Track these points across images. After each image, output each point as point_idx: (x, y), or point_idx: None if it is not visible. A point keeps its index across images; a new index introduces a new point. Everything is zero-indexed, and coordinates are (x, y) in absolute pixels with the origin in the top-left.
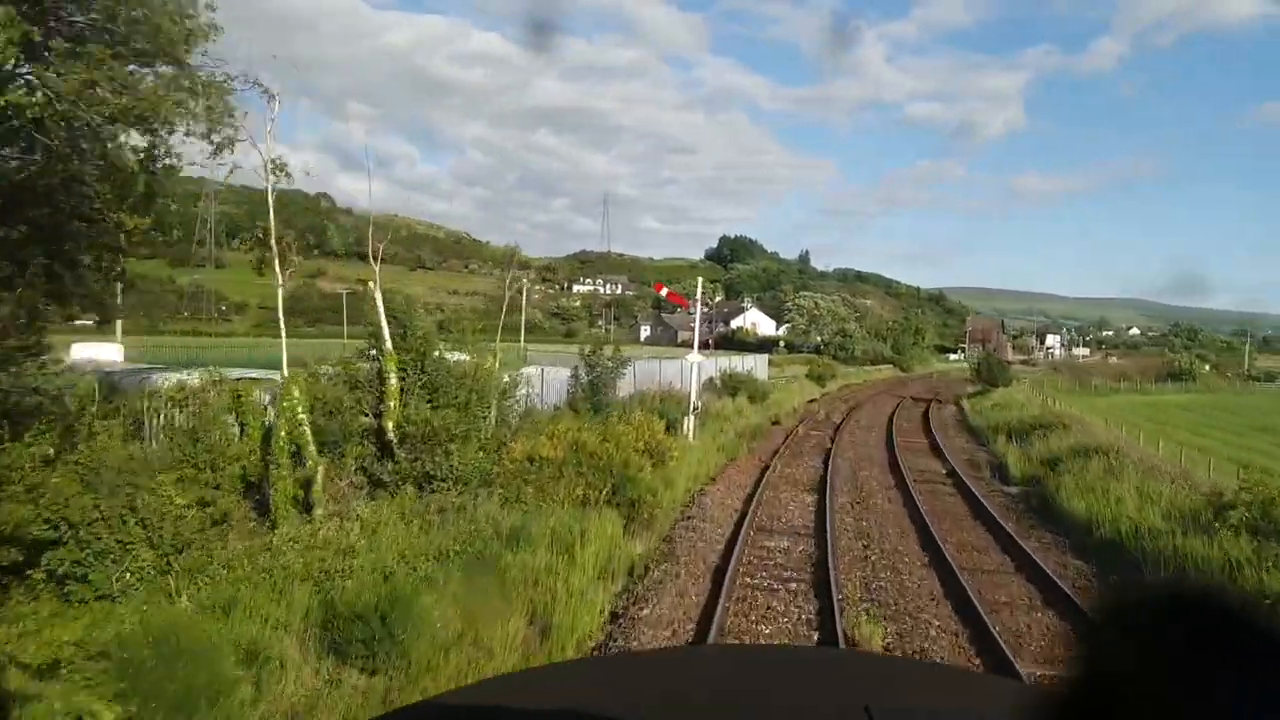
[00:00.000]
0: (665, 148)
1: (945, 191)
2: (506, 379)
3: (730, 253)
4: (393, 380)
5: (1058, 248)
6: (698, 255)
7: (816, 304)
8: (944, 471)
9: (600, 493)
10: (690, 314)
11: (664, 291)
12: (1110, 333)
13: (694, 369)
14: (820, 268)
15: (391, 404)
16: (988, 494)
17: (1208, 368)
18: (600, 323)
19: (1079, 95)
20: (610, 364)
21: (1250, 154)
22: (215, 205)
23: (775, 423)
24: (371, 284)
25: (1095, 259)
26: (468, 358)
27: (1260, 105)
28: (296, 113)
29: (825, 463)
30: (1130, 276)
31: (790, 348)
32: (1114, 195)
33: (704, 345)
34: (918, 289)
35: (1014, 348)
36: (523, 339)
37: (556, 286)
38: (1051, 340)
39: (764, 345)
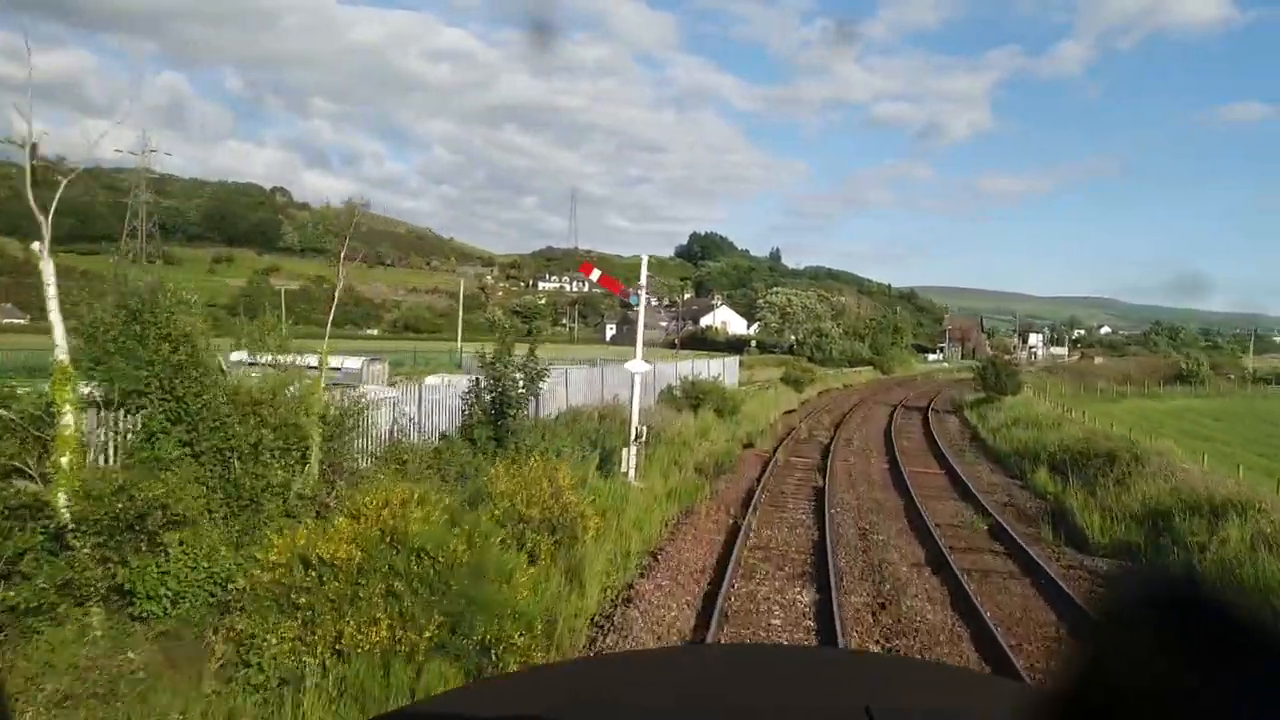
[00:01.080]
0: (635, 146)
1: (914, 191)
2: (347, 401)
3: (701, 250)
4: (68, 418)
5: (1025, 247)
6: (668, 253)
7: (790, 301)
8: (985, 528)
9: (426, 632)
10: (661, 309)
11: (594, 275)
12: (1082, 331)
13: (636, 380)
14: (791, 265)
15: (64, 460)
16: (1065, 575)
17: (1208, 369)
18: (564, 321)
19: (1043, 96)
20: (519, 375)
21: (1214, 154)
22: (145, 195)
23: (748, 445)
24: (38, 244)
25: (1063, 258)
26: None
27: (1221, 107)
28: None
29: (820, 517)
30: (1098, 276)
31: (762, 347)
32: (1080, 196)
33: (670, 345)
34: (889, 287)
35: (991, 346)
36: (459, 339)
37: (521, 284)
38: (1034, 339)
39: (735, 345)
